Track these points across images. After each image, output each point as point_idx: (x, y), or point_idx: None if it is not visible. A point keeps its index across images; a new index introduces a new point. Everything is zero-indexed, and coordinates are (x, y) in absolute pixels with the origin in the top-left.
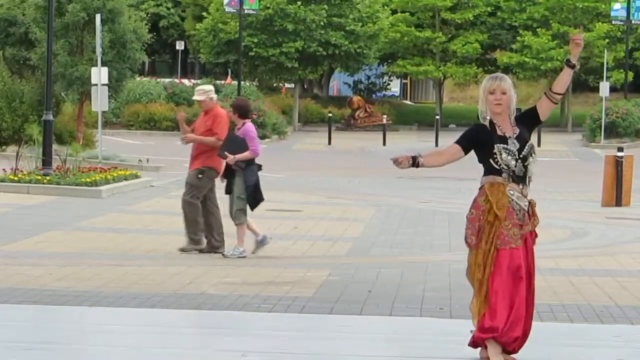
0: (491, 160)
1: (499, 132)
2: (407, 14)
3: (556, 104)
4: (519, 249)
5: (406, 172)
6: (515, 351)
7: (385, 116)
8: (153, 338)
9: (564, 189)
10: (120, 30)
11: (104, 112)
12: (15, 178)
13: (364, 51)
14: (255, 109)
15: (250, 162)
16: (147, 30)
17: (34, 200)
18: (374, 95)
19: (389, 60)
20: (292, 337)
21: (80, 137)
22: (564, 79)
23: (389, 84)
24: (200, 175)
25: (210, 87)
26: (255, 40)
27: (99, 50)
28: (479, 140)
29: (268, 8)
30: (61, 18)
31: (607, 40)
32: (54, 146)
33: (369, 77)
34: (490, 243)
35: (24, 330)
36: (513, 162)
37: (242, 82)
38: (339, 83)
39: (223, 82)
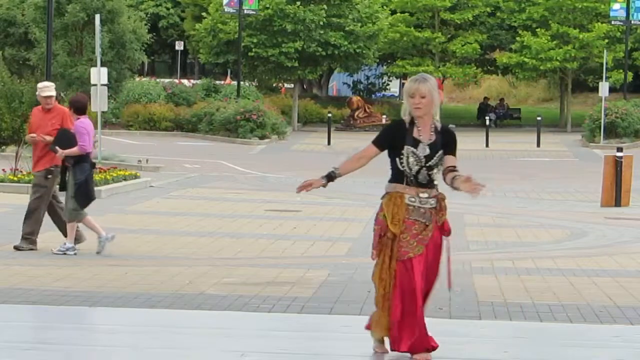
0: (397, 160)
1: (414, 134)
2: (407, 14)
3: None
4: (418, 257)
5: None
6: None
7: (384, 116)
8: (153, 338)
9: (563, 189)
10: (119, 30)
11: (103, 112)
12: (15, 178)
13: (364, 51)
14: (255, 109)
15: (81, 159)
16: (146, 31)
17: None
18: (373, 96)
19: (389, 61)
20: (291, 337)
21: None
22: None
23: (388, 84)
24: (49, 176)
25: (53, 84)
26: (255, 40)
27: (98, 50)
28: (395, 138)
29: (267, 8)
30: (61, 18)
31: (606, 41)
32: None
33: (368, 78)
34: (390, 257)
35: (24, 330)
36: (416, 168)
37: (242, 83)
38: (338, 83)
39: (222, 82)
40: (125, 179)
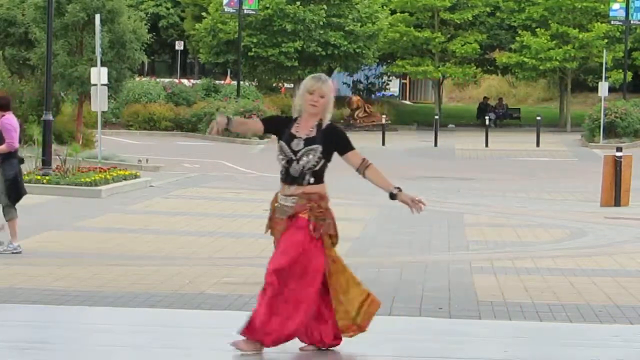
0: (277, 154)
1: (293, 130)
2: (406, 14)
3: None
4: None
5: (405, 172)
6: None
7: (384, 116)
8: (153, 338)
9: (563, 189)
10: (119, 30)
11: (103, 112)
12: None
13: (363, 51)
14: (255, 109)
15: (9, 156)
16: (146, 31)
17: (33, 200)
18: (373, 95)
19: (388, 61)
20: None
21: (80, 137)
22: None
23: (388, 84)
24: None
25: None
26: (255, 40)
27: (98, 50)
28: (277, 129)
29: (267, 8)
30: (61, 18)
31: (606, 41)
32: (54, 146)
33: (368, 77)
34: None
35: (24, 330)
36: (286, 162)
37: (242, 82)
38: (338, 83)
39: (222, 82)
40: (125, 179)
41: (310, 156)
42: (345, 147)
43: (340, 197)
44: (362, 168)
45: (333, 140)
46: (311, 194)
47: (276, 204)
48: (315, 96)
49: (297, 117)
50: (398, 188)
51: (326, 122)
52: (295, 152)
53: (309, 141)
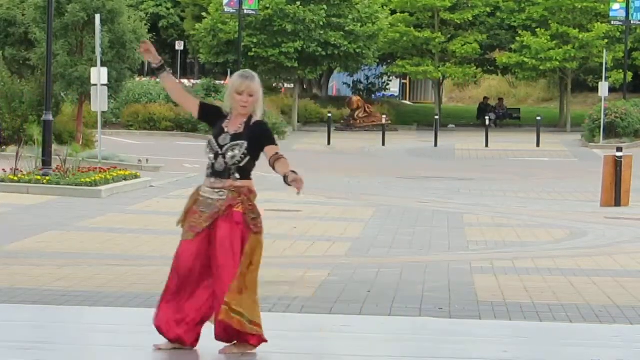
0: (204, 148)
1: (223, 125)
2: (407, 14)
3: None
4: (189, 242)
5: (406, 172)
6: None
7: (384, 116)
8: (153, 338)
9: (563, 189)
10: (119, 30)
11: (103, 112)
12: (15, 178)
13: (363, 51)
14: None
15: None
16: (146, 31)
17: (33, 200)
18: (373, 96)
19: (388, 61)
20: (291, 337)
21: (80, 137)
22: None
23: (388, 84)
24: None
25: None
26: (255, 40)
27: (98, 50)
28: (211, 120)
29: (267, 8)
30: (61, 18)
31: (606, 41)
32: (54, 146)
33: (368, 78)
34: None
35: (24, 330)
36: (212, 156)
37: None
38: (338, 83)
39: (222, 82)
40: (125, 179)
41: (236, 151)
42: (267, 142)
43: (340, 197)
44: (273, 160)
45: (257, 135)
46: (241, 188)
47: (200, 197)
48: (245, 96)
49: (229, 113)
50: (293, 171)
51: (255, 118)
52: (221, 147)
53: (235, 137)
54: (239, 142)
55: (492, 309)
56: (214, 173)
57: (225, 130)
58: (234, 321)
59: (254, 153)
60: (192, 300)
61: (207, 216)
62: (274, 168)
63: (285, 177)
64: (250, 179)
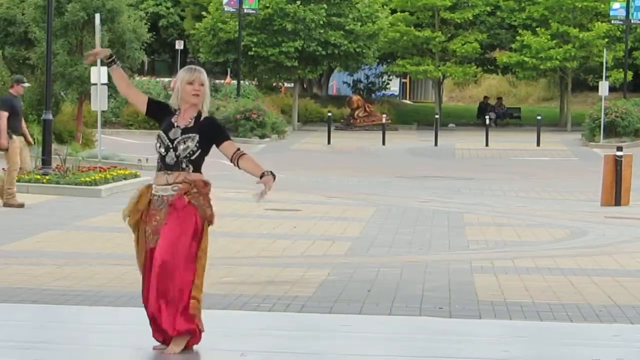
0: (154, 143)
1: (172, 120)
2: (407, 13)
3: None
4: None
5: (406, 172)
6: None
7: (384, 116)
8: (153, 338)
9: (563, 188)
10: (119, 29)
11: (103, 111)
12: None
13: (364, 51)
14: (255, 109)
15: None
16: (146, 30)
17: (33, 199)
18: (373, 95)
19: (389, 60)
20: (291, 337)
21: (80, 136)
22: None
23: (388, 84)
24: None
25: None
26: (255, 39)
27: None
28: (159, 116)
29: (267, 7)
30: (60, 17)
31: (606, 40)
32: (54, 145)
33: (368, 77)
34: (139, 244)
35: (24, 330)
36: (163, 150)
37: (242, 82)
38: (338, 82)
39: (222, 81)
40: (125, 178)
41: (188, 143)
42: (221, 138)
43: (340, 196)
44: (236, 157)
45: (209, 132)
46: (195, 181)
47: (153, 197)
48: (196, 85)
49: (177, 109)
50: (270, 172)
51: (205, 114)
52: (172, 141)
53: (186, 130)
54: (190, 134)
55: (492, 309)
56: (165, 166)
57: (175, 124)
58: (197, 315)
59: (204, 147)
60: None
61: (163, 213)
62: (237, 165)
63: (261, 175)
64: (201, 172)
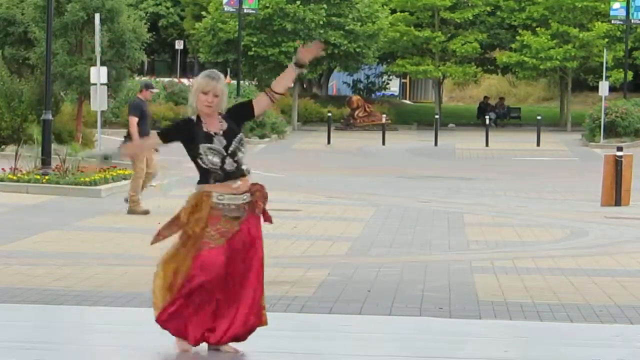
0: (198, 161)
1: (204, 129)
2: (407, 13)
3: (274, 102)
4: (219, 247)
5: (406, 172)
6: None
7: (384, 116)
8: (153, 338)
9: (564, 188)
10: (119, 29)
11: (103, 111)
12: (15, 177)
13: (363, 51)
14: None
15: None
16: (146, 30)
17: (33, 199)
18: (373, 95)
19: (388, 60)
20: (291, 337)
21: (80, 136)
22: (288, 80)
23: (388, 84)
24: None
25: None
26: (255, 39)
27: (98, 49)
28: (182, 136)
29: (267, 7)
30: (60, 17)
31: (606, 40)
32: (53, 145)
33: (368, 77)
34: (191, 248)
35: (24, 329)
36: (218, 160)
37: (241, 82)
38: (338, 82)
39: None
40: (125, 179)
41: (241, 144)
42: (248, 104)
43: (340, 196)
44: (270, 92)
45: (239, 115)
46: (261, 188)
47: (218, 205)
48: (210, 96)
49: (197, 116)
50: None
51: (223, 112)
52: (225, 149)
53: (228, 134)
54: (235, 136)
55: (492, 309)
56: (226, 175)
57: (213, 132)
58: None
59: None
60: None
61: (239, 221)
62: (276, 93)
63: (298, 64)
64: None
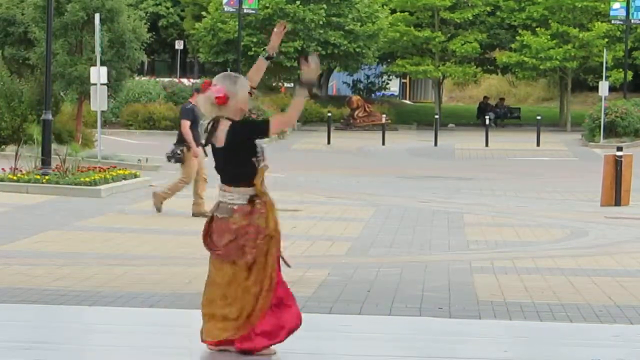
0: (254, 160)
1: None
2: (407, 13)
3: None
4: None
5: (406, 172)
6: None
7: (384, 116)
8: (153, 338)
9: (563, 188)
10: (119, 29)
11: (103, 111)
12: (15, 177)
13: (363, 51)
14: (255, 109)
15: None
16: (146, 30)
17: (33, 199)
18: (373, 95)
19: (388, 60)
20: (291, 337)
21: (80, 136)
22: (258, 73)
23: (388, 84)
24: None
25: None
26: (255, 39)
27: (98, 49)
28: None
29: (267, 7)
30: (60, 17)
31: (606, 40)
32: (53, 146)
33: (368, 77)
34: (268, 256)
35: (23, 329)
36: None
37: None
38: (338, 83)
39: None
40: (125, 178)
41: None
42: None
43: (340, 196)
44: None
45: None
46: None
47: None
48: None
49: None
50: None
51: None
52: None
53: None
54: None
55: (492, 309)
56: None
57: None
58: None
59: None
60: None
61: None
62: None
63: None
64: None
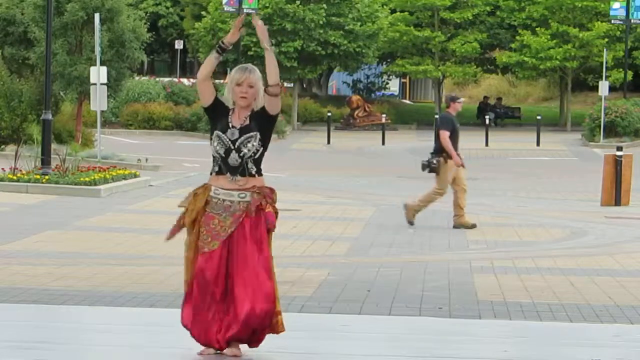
0: (210, 145)
1: (228, 119)
2: (406, 13)
3: (276, 95)
4: (212, 252)
5: (405, 171)
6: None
7: (384, 115)
8: (152, 337)
9: (563, 188)
10: (119, 29)
11: (102, 111)
12: (14, 177)
13: (363, 50)
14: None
15: None
16: (146, 30)
17: (32, 199)
18: (373, 95)
19: (388, 60)
20: (291, 337)
21: (79, 136)
22: (269, 68)
23: (388, 84)
24: None
25: None
26: (254, 39)
27: (97, 49)
28: (216, 113)
29: (267, 7)
30: (60, 17)
31: (606, 40)
32: (53, 145)
33: (368, 77)
34: (191, 249)
35: (24, 329)
36: (223, 151)
37: None
38: (338, 82)
39: (222, 81)
40: (124, 178)
41: (252, 142)
42: (263, 107)
43: (340, 196)
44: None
45: (259, 117)
46: (263, 188)
47: (212, 199)
48: (244, 87)
49: (233, 108)
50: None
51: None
52: (233, 142)
53: (244, 130)
54: (251, 134)
55: (492, 309)
56: (228, 169)
57: (231, 125)
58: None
59: (265, 143)
60: (225, 304)
61: (231, 221)
62: (269, 90)
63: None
64: (262, 174)
